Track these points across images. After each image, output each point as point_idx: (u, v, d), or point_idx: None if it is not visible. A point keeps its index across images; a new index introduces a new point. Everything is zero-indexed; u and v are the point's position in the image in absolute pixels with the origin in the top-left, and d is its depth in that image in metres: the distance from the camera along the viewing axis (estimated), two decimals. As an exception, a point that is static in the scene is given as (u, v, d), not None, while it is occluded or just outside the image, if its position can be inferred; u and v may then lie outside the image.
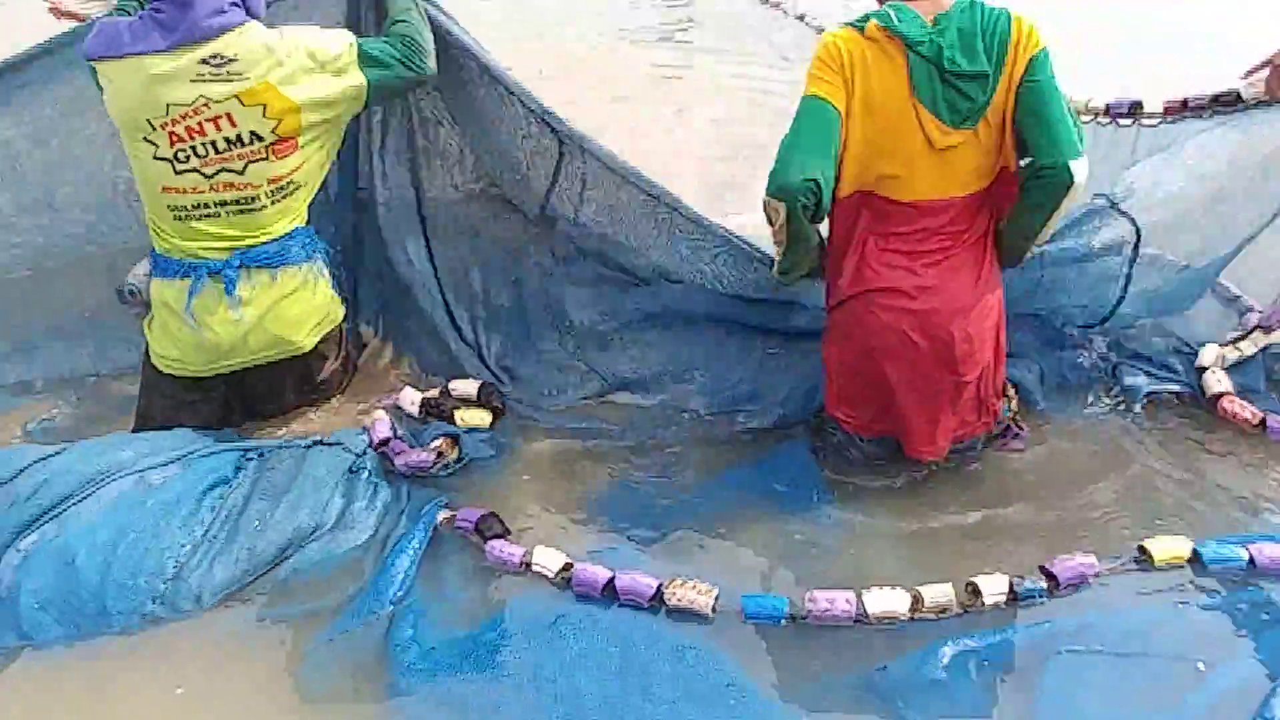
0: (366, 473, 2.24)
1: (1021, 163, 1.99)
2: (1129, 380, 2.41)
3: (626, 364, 2.50)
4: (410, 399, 2.45)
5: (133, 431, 2.33)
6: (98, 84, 2.08)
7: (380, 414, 2.39)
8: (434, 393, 2.49)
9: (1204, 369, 2.38)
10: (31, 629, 1.89)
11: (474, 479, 2.28)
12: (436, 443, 2.29)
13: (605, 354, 2.51)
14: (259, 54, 2.05)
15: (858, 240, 2.04)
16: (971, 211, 2.00)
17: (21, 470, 2.07)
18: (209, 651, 1.88)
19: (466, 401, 2.46)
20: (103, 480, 2.06)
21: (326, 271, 2.35)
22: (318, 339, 2.33)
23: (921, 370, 2.02)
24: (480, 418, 2.39)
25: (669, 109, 4.67)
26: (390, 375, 2.66)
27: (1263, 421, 2.23)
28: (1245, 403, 2.28)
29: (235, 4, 2.05)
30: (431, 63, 2.25)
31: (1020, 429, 2.30)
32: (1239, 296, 2.63)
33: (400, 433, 2.33)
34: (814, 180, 1.87)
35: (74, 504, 2.01)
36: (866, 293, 2.03)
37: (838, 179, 1.97)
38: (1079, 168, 1.88)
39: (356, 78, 2.16)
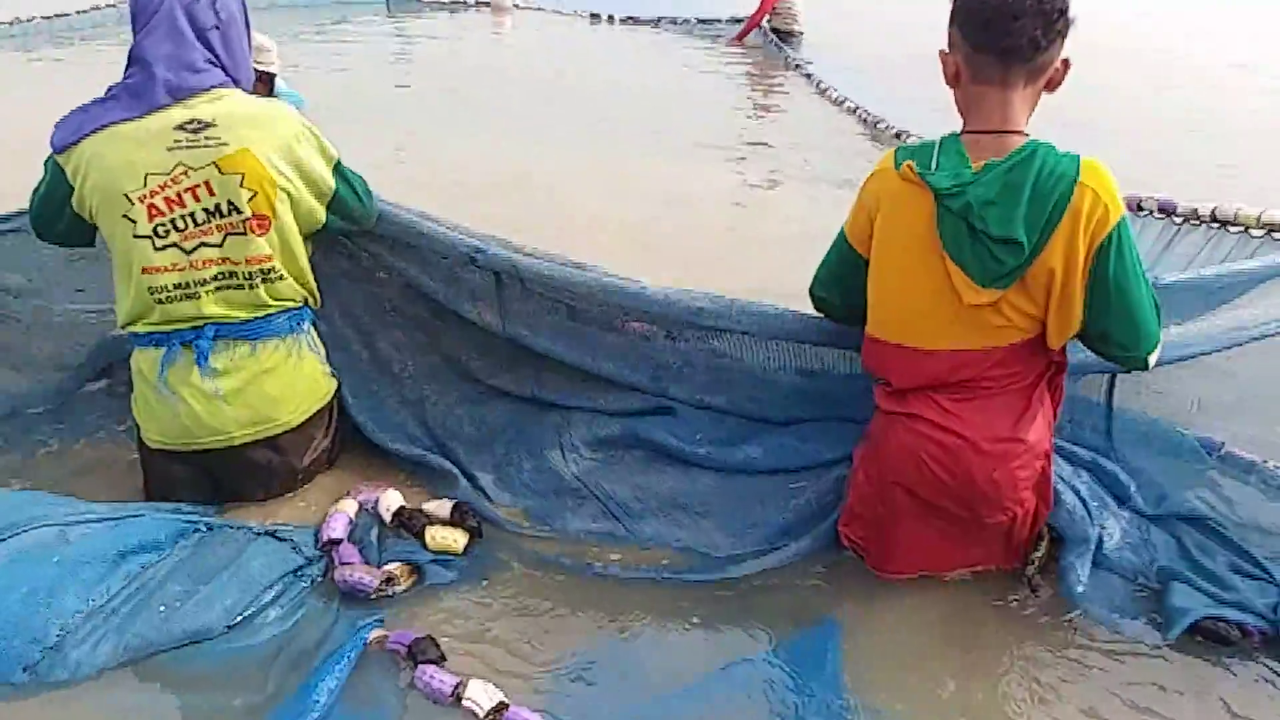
0: (310, 581, 1.96)
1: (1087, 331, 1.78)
2: (1176, 601, 1.86)
3: (630, 491, 2.21)
4: (388, 504, 2.16)
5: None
6: (65, 183, 1.94)
7: (346, 506, 2.12)
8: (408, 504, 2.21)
9: None
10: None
11: (419, 601, 1.95)
12: (392, 565, 1.98)
13: (610, 478, 2.23)
14: (239, 118, 1.95)
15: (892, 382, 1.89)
16: (1017, 359, 1.79)
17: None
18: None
19: (440, 520, 2.16)
20: (26, 527, 1.85)
21: (316, 343, 2.19)
22: (305, 416, 2.13)
23: (932, 503, 1.86)
24: (454, 539, 2.07)
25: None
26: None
27: None
28: None
29: (212, 63, 1.97)
30: (376, 212, 2.22)
31: (1036, 586, 1.95)
32: None
33: (357, 534, 2.06)
34: (824, 299, 2.06)
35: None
36: (896, 414, 1.87)
37: (866, 316, 1.92)
38: (1153, 359, 1.80)
39: (330, 180, 2.07)
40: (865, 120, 6.74)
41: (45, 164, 1.99)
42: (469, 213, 2.58)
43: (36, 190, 2.04)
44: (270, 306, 2.08)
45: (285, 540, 2.01)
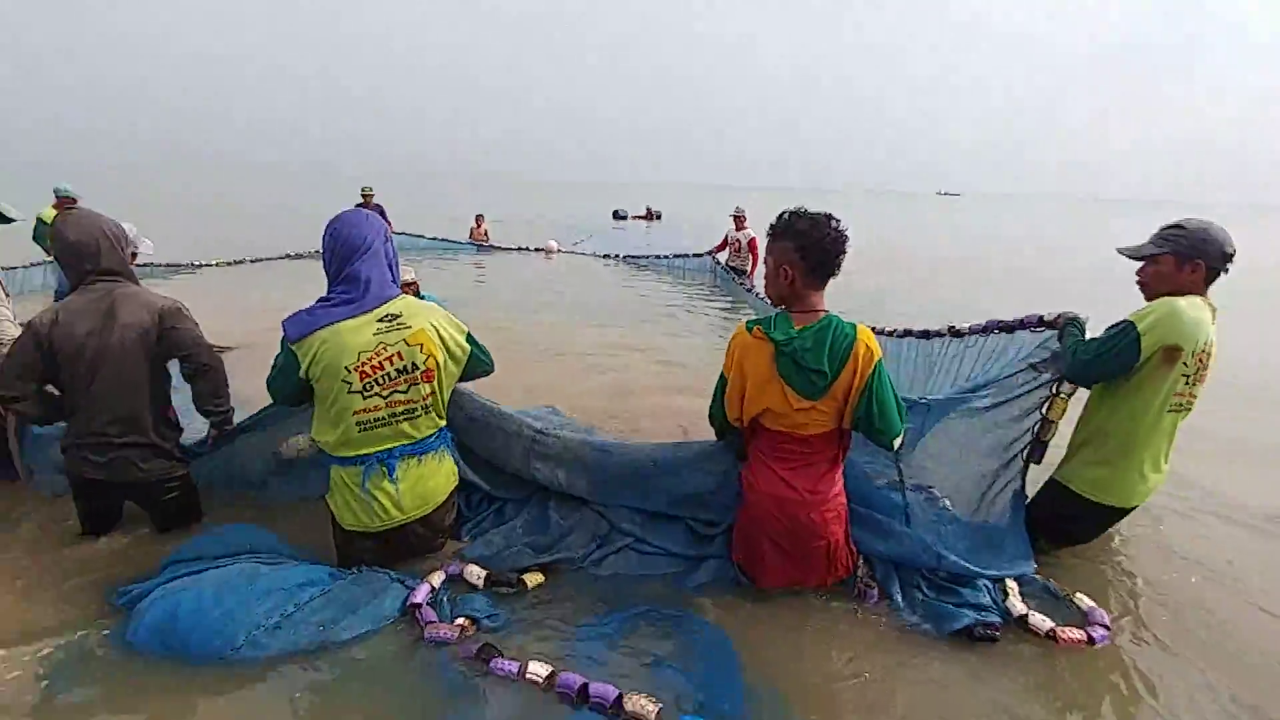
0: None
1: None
2: (944, 610, 2.93)
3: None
4: (475, 573, 2.99)
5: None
6: (296, 362, 2.84)
7: (433, 578, 2.93)
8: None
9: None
10: (142, 640, 2.53)
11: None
12: (461, 621, 2.80)
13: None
14: (415, 310, 2.95)
15: (754, 450, 2.96)
16: (824, 441, 2.85)
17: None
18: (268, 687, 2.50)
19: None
20: (233, 557, 2.80)
21: (452, 448, 3.20)
22: (445, 496, 3.12)
23: (781, 536, 2.91)
24: (540, 578, 3.06)
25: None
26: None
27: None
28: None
29: (393, 282, 3.00)
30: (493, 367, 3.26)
31: (870, 586, 3.02)
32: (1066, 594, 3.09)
33: (438, 597, 2.88)
34: (714, 415, 3.11)
35: (209, 568, 2.72)
36: (754, 485, 2.93)
37: (741, 410, 2.94)
38: (897, 443, 2.87)
39: (466, 345, 3.09)
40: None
41: (281, 346, 2.91)
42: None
43: (275, 364, 2.96)
44: (430, 428, 3.03)
45: (411, 586, 2.83)
